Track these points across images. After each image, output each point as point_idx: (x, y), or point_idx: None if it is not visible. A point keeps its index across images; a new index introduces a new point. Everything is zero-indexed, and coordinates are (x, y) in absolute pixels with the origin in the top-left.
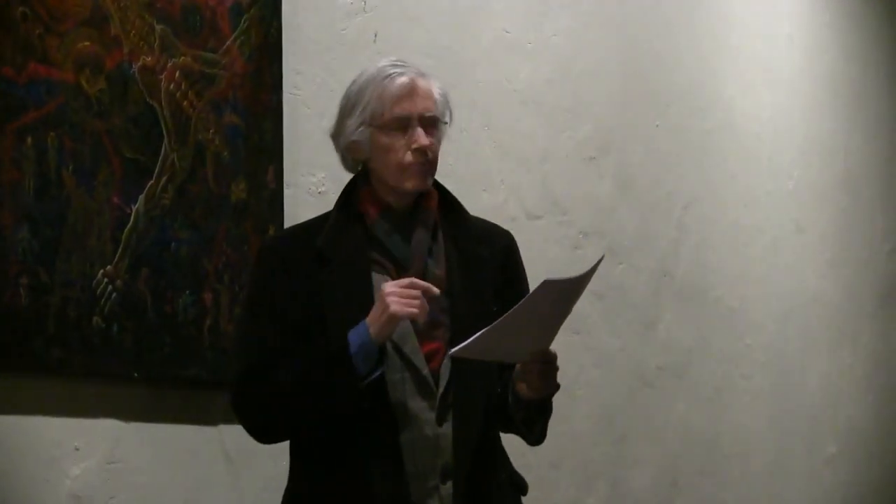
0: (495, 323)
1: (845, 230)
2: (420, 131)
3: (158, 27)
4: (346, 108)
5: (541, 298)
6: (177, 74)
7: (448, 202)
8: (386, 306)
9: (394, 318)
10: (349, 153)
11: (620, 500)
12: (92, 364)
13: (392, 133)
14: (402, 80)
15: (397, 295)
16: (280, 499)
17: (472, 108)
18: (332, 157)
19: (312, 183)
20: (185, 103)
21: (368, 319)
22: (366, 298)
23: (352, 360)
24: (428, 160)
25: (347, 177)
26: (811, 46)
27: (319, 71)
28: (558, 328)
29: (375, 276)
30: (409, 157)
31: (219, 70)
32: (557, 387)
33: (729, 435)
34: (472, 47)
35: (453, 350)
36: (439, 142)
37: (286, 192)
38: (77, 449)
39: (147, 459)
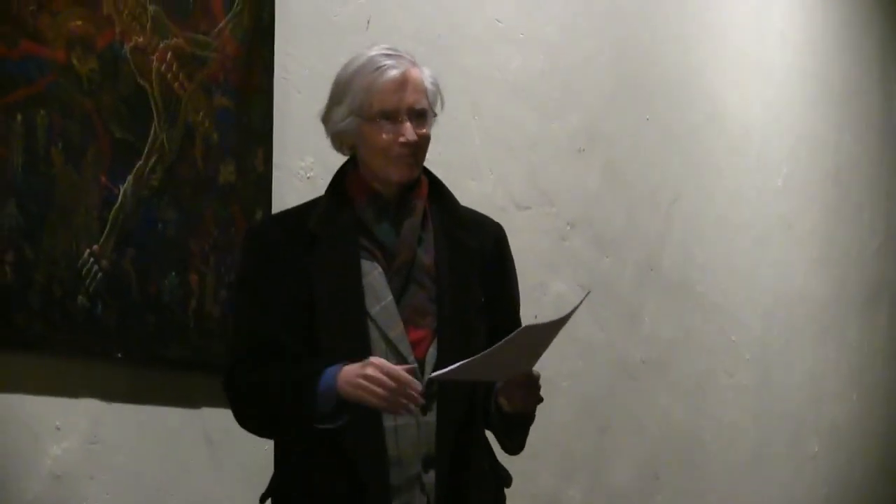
0: (475, 357)
1: (833, 227)
2: (408, 126)
3: (151, 8)
4: (336, 95)
5: (519, 339)
6: (168, 56)
7: (438, 191)
8: (364, 388)
9: (364, 401)
10: (338, 139)
11: (601, 493)
12: (75, 342)
13: (380, 124)
14: (393, 73)
15: (380, 386)
16: (260, 483)
17: (461, 96)
18: (322, 142)
19: (301, 167)
20: (175, 84)
21: (345, 375)
22: (355, 284)
23: (314, 395)
24: (414, 153)
25: (336, 162)
26: (802, 43)
27: (311, 55)
28: (538, 358)
29: (364, 263)
30: (395, 149)
31: (210, 52)
32: (540, 400)
33: (711, 430)
34: (463, 36)
35: (434, 374)
36: (428, 133)
37: (275, 175)
38: (58, 428)
39: (128, 440)
